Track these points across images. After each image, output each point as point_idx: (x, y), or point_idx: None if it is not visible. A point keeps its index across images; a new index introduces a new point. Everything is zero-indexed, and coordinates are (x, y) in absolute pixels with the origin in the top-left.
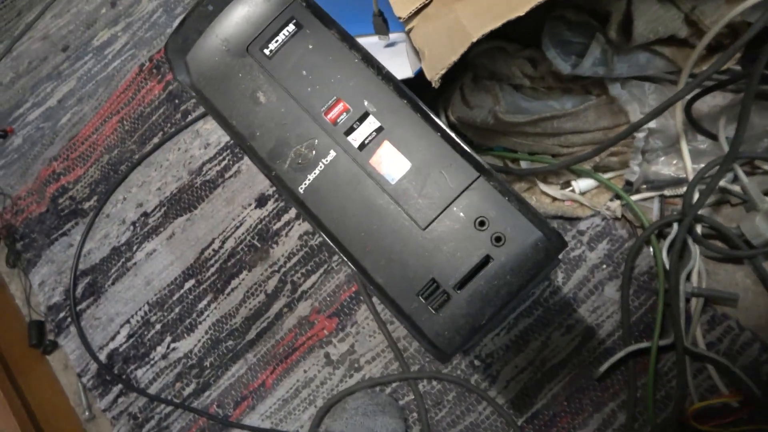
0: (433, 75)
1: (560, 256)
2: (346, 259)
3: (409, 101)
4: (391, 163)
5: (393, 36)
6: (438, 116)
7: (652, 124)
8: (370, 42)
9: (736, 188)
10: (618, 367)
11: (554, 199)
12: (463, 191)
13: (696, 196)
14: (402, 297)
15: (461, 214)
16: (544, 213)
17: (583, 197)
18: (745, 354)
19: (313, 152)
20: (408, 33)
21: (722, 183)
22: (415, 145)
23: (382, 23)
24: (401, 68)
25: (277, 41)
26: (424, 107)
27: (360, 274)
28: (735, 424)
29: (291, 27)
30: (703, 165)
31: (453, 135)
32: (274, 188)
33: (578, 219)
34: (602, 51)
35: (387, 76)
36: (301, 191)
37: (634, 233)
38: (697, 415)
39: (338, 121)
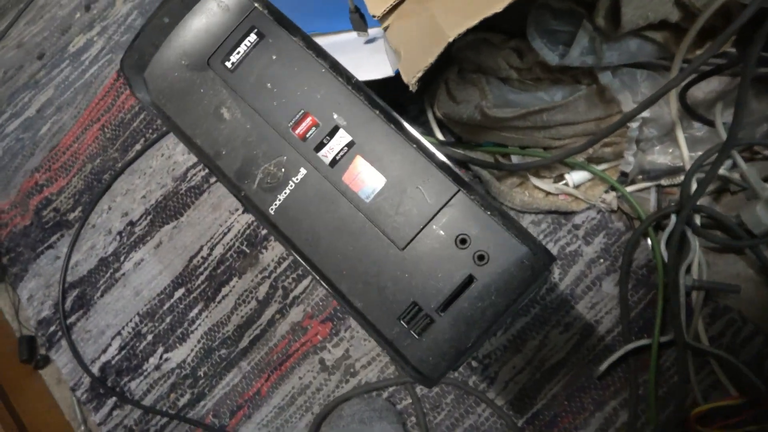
0: (410, 78)
1: (549, 270)
2: (322, 283)
3: (382, 112)
4: (364, 179)
5: (373, 31)
6: (425, 113)
7: (645, 113)
8: (349, 39)
9: (735, 176)
10: (619, 365)
11: (547, 193)
12: (441, 207)
13: (694, 185)
14: (382, 322)
15: (441, 232)
16: (538, 208)
17: (578, 190)
18: (748, 347)
19: (283, 170)
20: (384, 31)
21: (722, 171)
22: (390, 159)
23: (360, 20)
24: (382, 66)
25: (238, 53)
26: (398, 117)
27: (338, 297)
28: (740, 425)
29: (252, 37)
30: (700, 153)
31: (430, 146)
32: None
33: (573, 213)
34: (590, 39)
35: (357, 86)
36: (272, 212)
37: (631, 226)
38: (700, 417)
39: (307, 136)
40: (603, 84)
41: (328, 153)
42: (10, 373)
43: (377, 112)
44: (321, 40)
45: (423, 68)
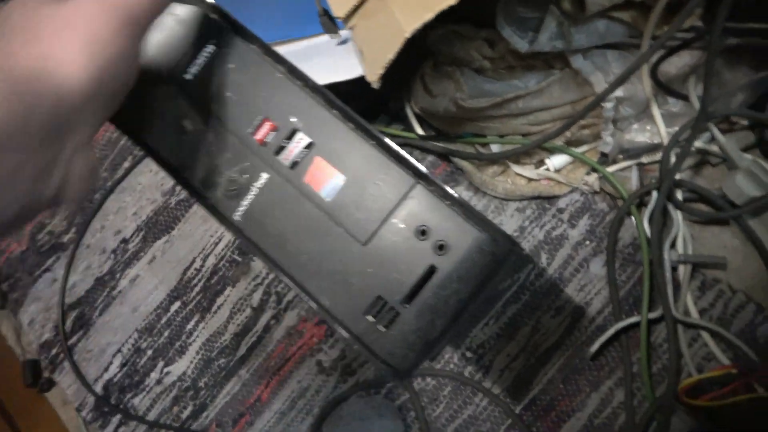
0: (372, 76)
1: (537, 257)
2: (290, 284)
3: (340, 111)
4: (325, 179)
5: (345, 33)
6: (404, 108)
7: (619, 92)
8: (323, 41)
9: (714, 148)
10: (611, 344)
11: (530, 179)
12: (401, 201)
13: (673, 160)
14: (349, 318)
15: (401, 225)
16: (521, 195)
17: (559, 174)
18: (738, 317)
19: (245, 177)
20: (351, 31)
21: (700, 144)
22: (348, 157)
23: (329, 22)
24: (355, 66)
25: (197, 64)
26: (356, 116)
27: (305, 297)
28: (731, 395)
29: (210, 47)
30: (677, 128)
31: (388, 141)
32: None
33: (556, 197)
34: (558, 24)
35: (314, 88)
36: (237, 218)
37: (614, 205)
38: (691, 390)
39: (266, 141)
40: (575, 67)
41: (288, 156)
42: (17, 399)
43: (335, 112)
44: (296, 45)
45: (383, 66)
